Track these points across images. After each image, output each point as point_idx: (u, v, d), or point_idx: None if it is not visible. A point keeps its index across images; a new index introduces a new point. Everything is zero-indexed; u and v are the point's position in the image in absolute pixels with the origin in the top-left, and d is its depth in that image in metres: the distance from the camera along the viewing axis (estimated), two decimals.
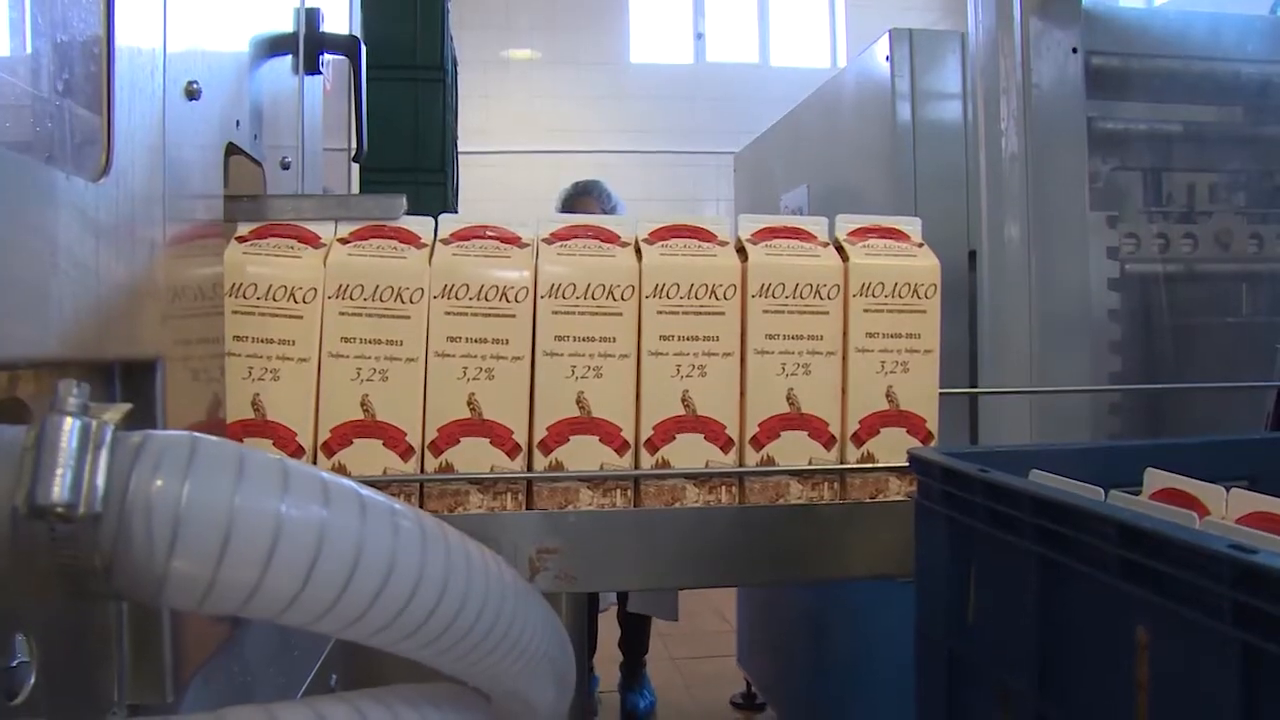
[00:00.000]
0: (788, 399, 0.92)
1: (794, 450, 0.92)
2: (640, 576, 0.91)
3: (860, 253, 0.95)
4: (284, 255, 0.87)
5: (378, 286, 0.87)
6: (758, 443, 0.91)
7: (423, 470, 0.87)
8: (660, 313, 0.90)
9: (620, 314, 0.89)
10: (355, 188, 2.29)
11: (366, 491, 0.40)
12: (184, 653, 0.62)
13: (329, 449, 0.86)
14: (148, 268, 0.61)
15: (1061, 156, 1.54)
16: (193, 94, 0.70)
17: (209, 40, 0.76)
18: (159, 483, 0.35)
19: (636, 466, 0.89)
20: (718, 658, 3.29)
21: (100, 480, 0.34)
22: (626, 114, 7.90)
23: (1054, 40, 1.54)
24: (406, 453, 0.87)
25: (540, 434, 0.88)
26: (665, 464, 0.89)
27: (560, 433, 0.89)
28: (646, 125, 7.83)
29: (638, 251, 0.92)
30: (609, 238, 0.93)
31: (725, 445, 0.91)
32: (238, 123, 0.84)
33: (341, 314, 0.86)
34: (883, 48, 2.12)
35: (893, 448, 0.93)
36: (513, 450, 0.88)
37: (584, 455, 0.89)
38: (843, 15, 8.57)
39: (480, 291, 0.88)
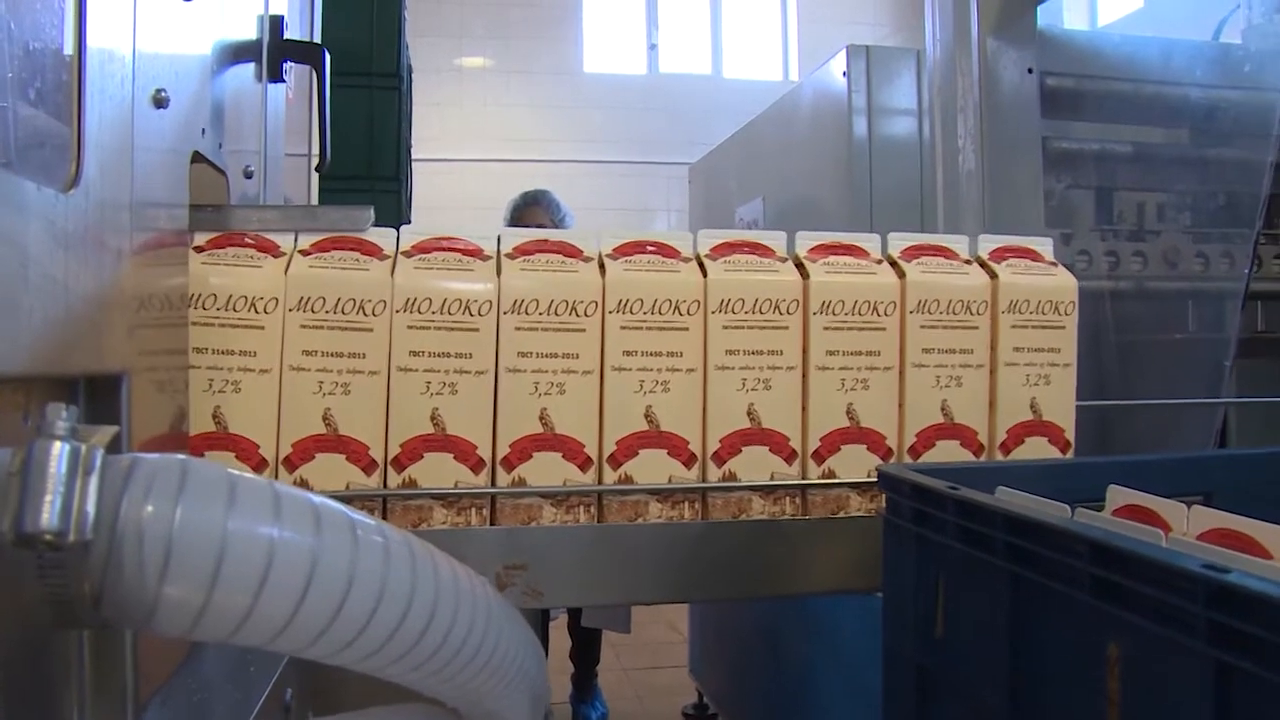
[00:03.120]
0: (748, 414, 0.92)
1: (756, 466, 0.92)
2: (607, 592, 0.91)
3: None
4: (244, 265, 0.86)
5: (339, 299, 0.86)
6: (719, 458, 0.91)
7: (385, 485, 0.87)
8: (624, 328, 0.90)
9: (583, 330, 0.89)
10: (314, 195, 2.26)
11: (358, 515, 0.40)
12: (144, 673, 0.61)
13: (291, 463, 0.85)
14: (114, 279, 0.60)
15: (1017, 174, 1.57)
16: (160, 102, 0.69)
17: (175, 47, 0.75)
18: (150, 508, 0.34)
19: (600, 482, 0.89)
20: (669, 668, 3.29)
21: (90, 506, 0.33)
22: (579, 123, 7.90)
23: (1010, 60, 1.56)
24: (369, 467, 0.86)
25: (504, 450, 0.88)
26: (628, 479, 0.89)
27: (523, 449, 0.88)
28: (599, 135, 7.83)
29: (601, 267, 0.92)
30: (572, 253, 0.93)
31: (688, 460, 0.91)
32: (202, 130, 0.83)
33: (303, 326, 0.85)
34: (839, 63, 2.14)
35: (852, 464, 0.93)
36: (477, 465, 0.87)
37: (547, 471, 0.89)
38: (795, 29, 8.64)
39: (443, 305, 0.87)
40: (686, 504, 0.91)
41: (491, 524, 0.88)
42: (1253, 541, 0.64)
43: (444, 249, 0.92)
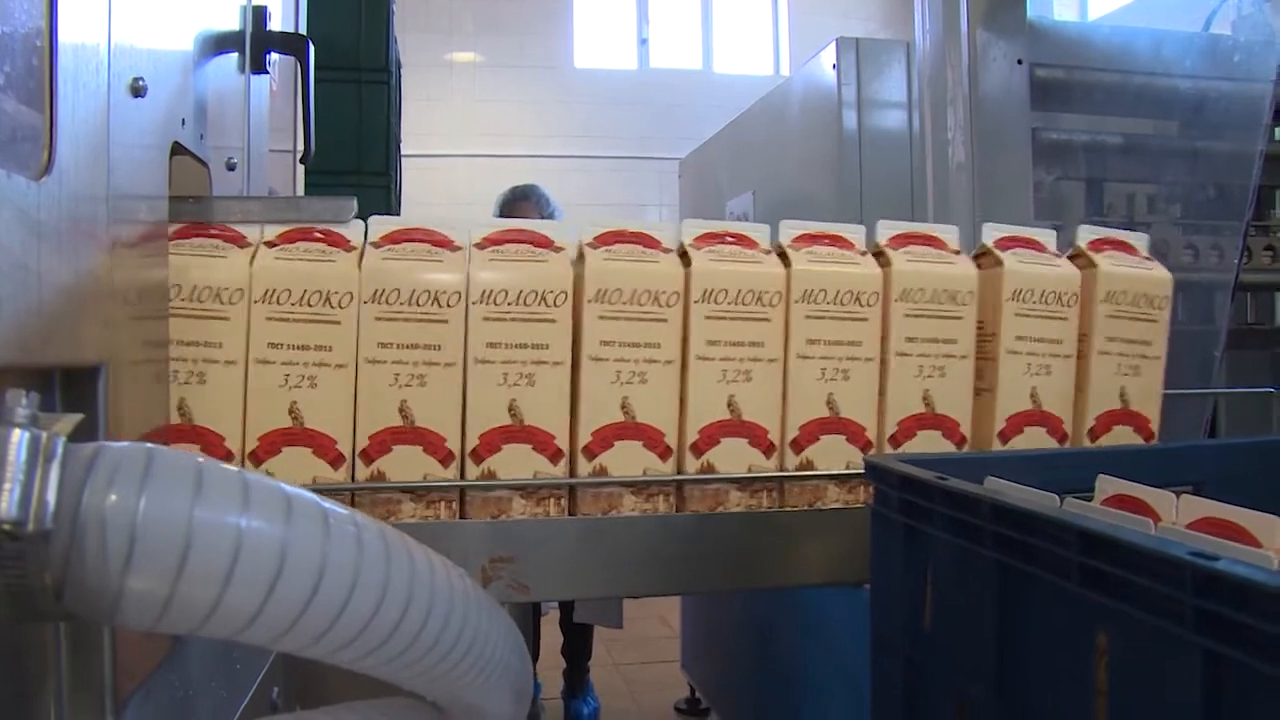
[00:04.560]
0: (729, 406, 0.91)
1: (734, 458, 0.92)
2: (594, 585, 0.90)
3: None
4: (209, 255, 0.85)
5: (305, 291, 0.85)
6: (698, 449, 0.91)
7: (353, 479, 0.86)
8: (602, 318, 0.89)
9: (554, 320, 0.88)
10: (299, 189, 2.25)
11: (329, 504, 0.39)
12: (124, 669, 0.60)
13: (256, 457, 0.84)
14: (91, 270, 0.59)
15: (1007, 166, 1.56)
16: (138, 91, 0.68)
17: (154, 36, 0.74)
18: (113, 497, 0.33)
19: (573, 474, 0.89)
20: (661, 663, 3.29)
21: (51, 495, 0.33)
22: (570, 119, 7.89)
23: (1000, 52, 1.56)
24: (336, 460, 0.85)
25: (473, 442, 0.87)
26: (603, 471, 0.89)
27: (492, 441, 0.87)
28: (590, 130, 7.82)
29: (581, 256, 0.91)
30: (542, 242, 0.92)
31: (664, 453, 0.90)
32: (183, 121, 0.82)
33: (269, 319, 0.84)
34: (829, 56, 2.13)
35: (831, 455, 0.93)
36: (446, 458, 0.87)
37: (517, 464, 0.88)
38: (786, 24, 8.63)
39: (412, 296, 0.87)
40: (661, 496, 0.91)
41: (461, 517, 0.88)
42: (1242, 530, 0.63)
43: (413, 240, 0.91)
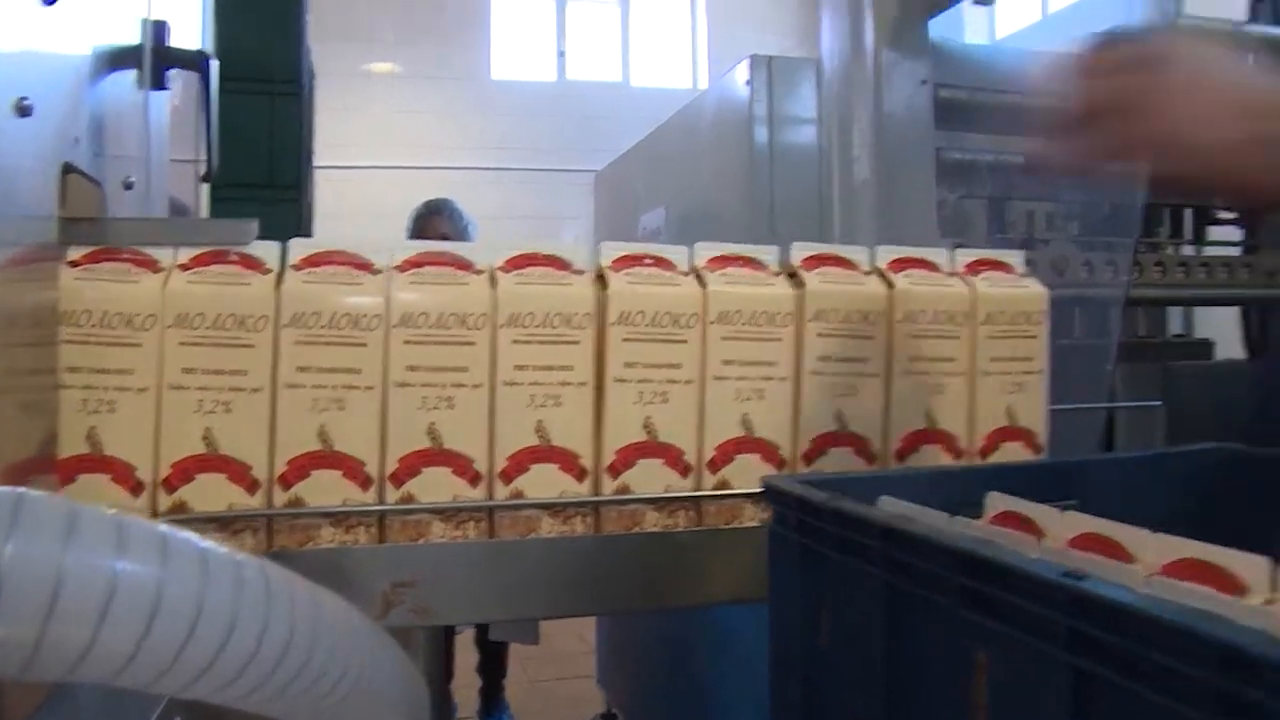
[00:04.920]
0: (645, 427, 0.92)
1: (650, 478, 0.92)
2: (497, 608, 0.90)
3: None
4: (120, 281, 0.83)
5: (220, 315, 0.84)
6: (614, 470, 0.91)
7: (271, 504, 0.85)
8: (515, 342, 0.89)
9: (473, 343, 0.88)
10: (205, 202, 2.22)
11: (208, 545, 0.39)
12: (7, 705, 0.58)
13: (170, 485, 0.82)
14: None
15: (911, 184, 1.59)
16: (24, 110, 0.66)
17: (44, 54, 0.72)
18: None
19: (490, 497, 0.88)
20: (577, 679, 3.29)
21: None
22: (488, 130, 7.86)
23: (904, 72, 1.59)
24: (253, 487, 0.84)
25: (392, 466, 0.86)
26: (520, 494, 0.89)
27: (411, 465, 0.87)
28: (508, 142, 7.81)
29: (492, 280, 0.91)
30: (463, 265, 0.92)
31: (580, 475, 0.90)
32: (76, 140, 0.80)
33: (182, 344, 0.83)
34: (742, 73, 2.16)
35: (747, 474, 0.94)
36: (365, 483, 0.86)
37: (436, 487, 0.87)
38: (704, 37, 8.70)
39: (332, 319, 0.86)
40: (579, 518, 0.91)
41: (381, 541, 0.87)
42: (1119, 546, 0.65)
43: (333, 263, 0.90)
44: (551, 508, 0.90)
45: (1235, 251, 2.04)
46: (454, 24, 8.03)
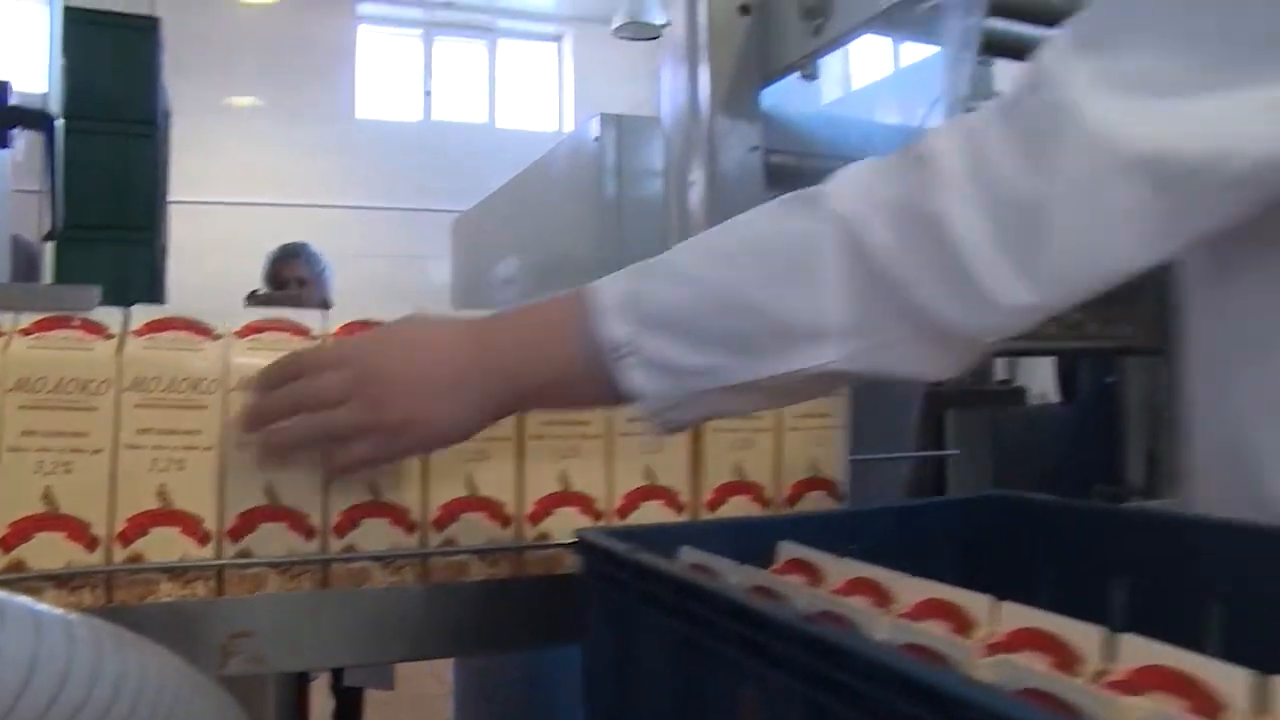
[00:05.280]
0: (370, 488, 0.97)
1: (474, 531, 0.99)
2: (329, 654, 0.95)
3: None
4: None
5: (61, 379, 0.87)
6: (440, 524, 0.97)
7: (110, 561, 0.88)
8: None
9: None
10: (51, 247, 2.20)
11: (41, 607, 0.44)
12: None
13: (7, 544, 0.85)
14: None
15: None
16: None
17: None
18: None
19: (325, 551, 0.94)
20: None
21: None
22: (352, 168, 7.84)
23: (738, 137, 1.70)
24: (92, 544, 0.88)
25: (230, 522, 0.91)
26: (352, 549, 0.94)
27: (250, 520, 0.92)
28: (372, 180, 7.79)
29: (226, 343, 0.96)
30: (301, 331, 0.98)
31: (409, 528, 0.96)
32: None
33: (22, 408, 0.86)
34: (594, 129, 2.25)
35: (567, 525, 1.01)
36: (203, 538, 0.90)
37: (271, 540, 0.92)
38: (570, 80, 8.85)
39: (171, 383, 0.90)
40: (409, 569, 0.97)
41: (220, 594, 0.91)
42: (881, 589, 0.74)
43: (173, 328, 0.94)
44: (383, 559, 0.95)
45: None
46: (319, 61, 8.00)
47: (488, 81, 8.78)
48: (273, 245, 3.37)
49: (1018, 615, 0.64)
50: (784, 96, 1.79)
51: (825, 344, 0.74)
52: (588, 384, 0.81)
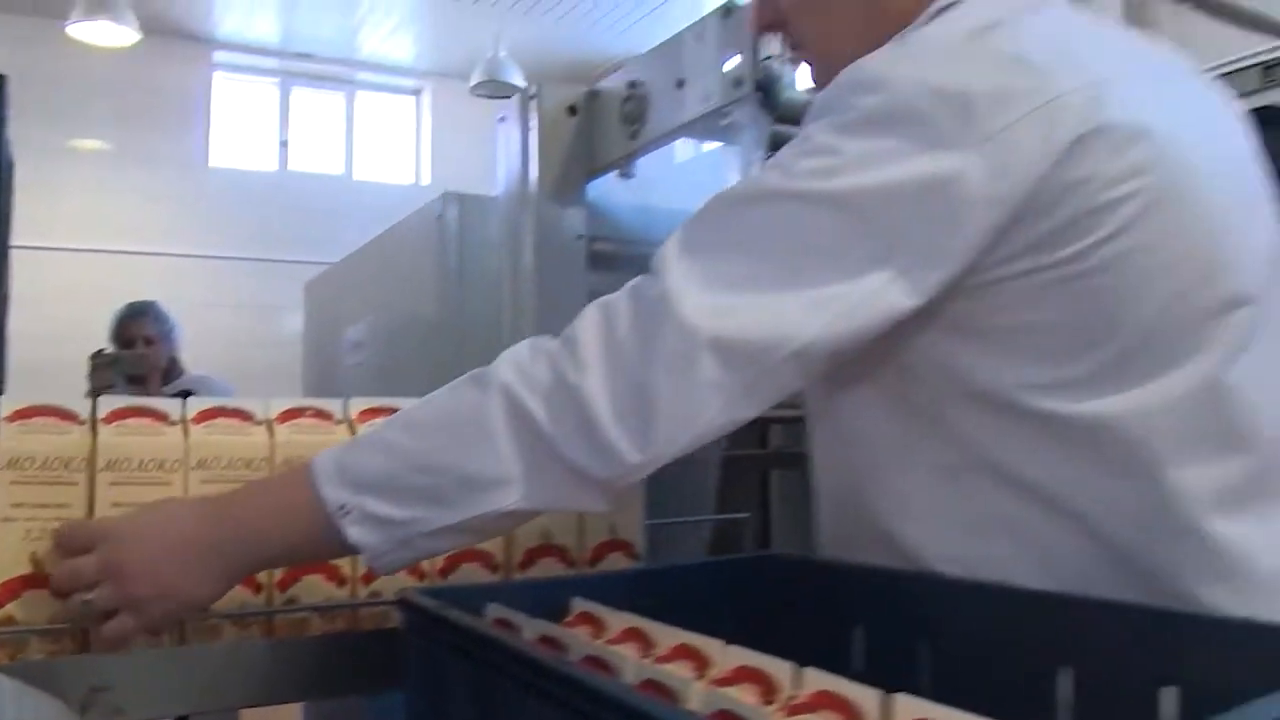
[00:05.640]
0: None
1: (314, 590, 1.14)
2: (183, 703, 1.08)
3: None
4: None
5: None
6: (283, 585, 1.12)
7: None
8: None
9: (169, 484, 1.08)
10: None
11: None
12: None
13: None
14: None
15: (566, 323, 1.88)
16: None
17: None
18: None
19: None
20: None
21: None
22: (204, 216, 7.75)
23: (565, 225, 1.89)
24: None
25: None
26: (206, 609, 1.08)
27: None
28: (225, 230, 7.72)
29: (185, 429, 1.11)
30: (160, 416, 1.12)
31: (256, 589, 1.11)
32: None
33: None
34: (436, 205, 2.41)
35: (395, 585, 1.16)
36: None
37: None
38: (428, 134, 8.95)
39: (45, 463, 1.04)
40: (256, 625, 1.11)
41: (85, 651, 1.04)
42: (645, 637, 0.92)
43: (43, 414, 1.07)
44: (232, 617, 1.10)
45: None
46: (172, 108, 7.92)
47: (345, 133, 8.82)
48: (120, 293, 3.40)
49: (736, 656, 0.83)
50: (606, 190, 1.98)
51: (504, 490, 0.95)
52: (321, 541, 0.98)
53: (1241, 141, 1.06)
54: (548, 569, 1.25)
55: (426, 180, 8.80)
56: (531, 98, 1.91)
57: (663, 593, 1.14)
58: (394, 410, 1.22)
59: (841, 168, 0.90)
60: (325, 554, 1.06)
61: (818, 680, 0.74)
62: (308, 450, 1.04)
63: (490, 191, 2.22)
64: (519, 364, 0.96)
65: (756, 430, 2.20)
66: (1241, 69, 5.36)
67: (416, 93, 9.03)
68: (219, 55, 8.21)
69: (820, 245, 0.90)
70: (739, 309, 0.89)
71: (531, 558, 1.24)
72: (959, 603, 0.97)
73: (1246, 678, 0.63)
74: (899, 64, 0.94)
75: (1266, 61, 5.27)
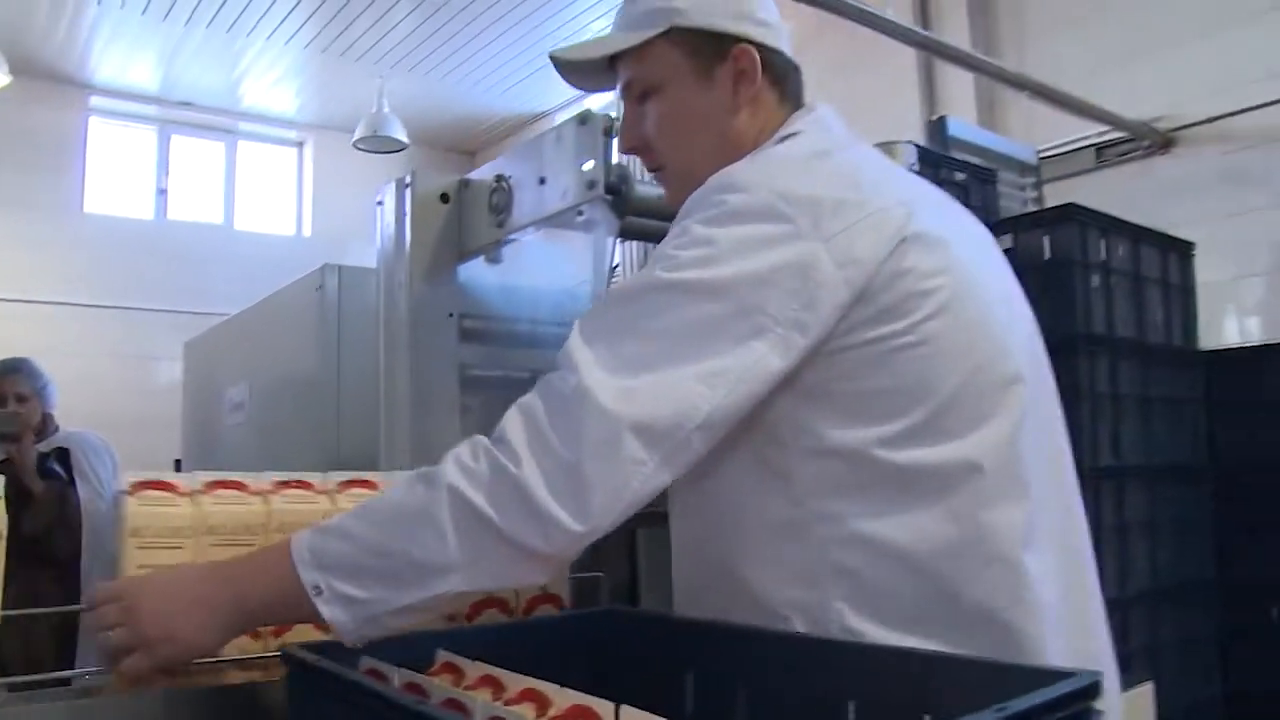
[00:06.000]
0: None
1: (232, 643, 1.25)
2: None
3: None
4: None
5: None
6: (277, 633, 1.27)
7: None
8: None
9: None
10: None
11: None
12: None
13: None
14: None
15: (440, 394, 2.02)
16: None
17: None
18: None
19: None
20: None
21: None
22: (80, 265, 7.58)
23: (437, 303, 2.02)
24: None
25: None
26: None
27: None
28: (101, 278, 7.56)
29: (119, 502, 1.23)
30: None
31: (255, 635, 1.25)
32: None
33: None
34: (316, 277, 2.52)
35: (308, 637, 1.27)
36: None
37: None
38: (310, 186, 8.95)
39: None
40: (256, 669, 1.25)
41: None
42: (498, 682, 1.05)
43: None
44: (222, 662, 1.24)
45: None
46: (46, 153, 7.76)
47: (225, 183, 8.77)
48: None
49: (571, 698, 0.98)
50: (476, 271, 2.13)
51: (449, 575, 1.10)
52: (300, 611, 1.13)
53: (998, 254, 1.34)
54: (493, 618, 1.41)
55: (308, 232, 8.78)
56: (407, 186, 2.05)
57: (521, 644, 1.29)
58: (369, 483, 1.40)
59: (717, 257, 1.10)
60: (306, 620, 1.18)
61: (632, 715, 0.90)
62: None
63: (370, 245, 2.33)
64: (461, 463, 1.10)
65: None
66: (1078, 149, 5.80)
67: (299, 144, 9.04)
68: (95, 100, 8.10)
69: (707, 324, 1.09)
70: (645, 391, 1.07)
71: (478, 609, 1.41)
72: (766, 649, 1.14)
73: (986, 704, 0.81)
74: (758, 173, 1.17)
75: (1098, 144, 5.72)
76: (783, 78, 1.35)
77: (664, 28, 1.31)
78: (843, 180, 1.17)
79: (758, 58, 1.31)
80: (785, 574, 1.17)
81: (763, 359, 1.09)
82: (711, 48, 1.31)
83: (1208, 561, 2.96)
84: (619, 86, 1.40)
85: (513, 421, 1.11)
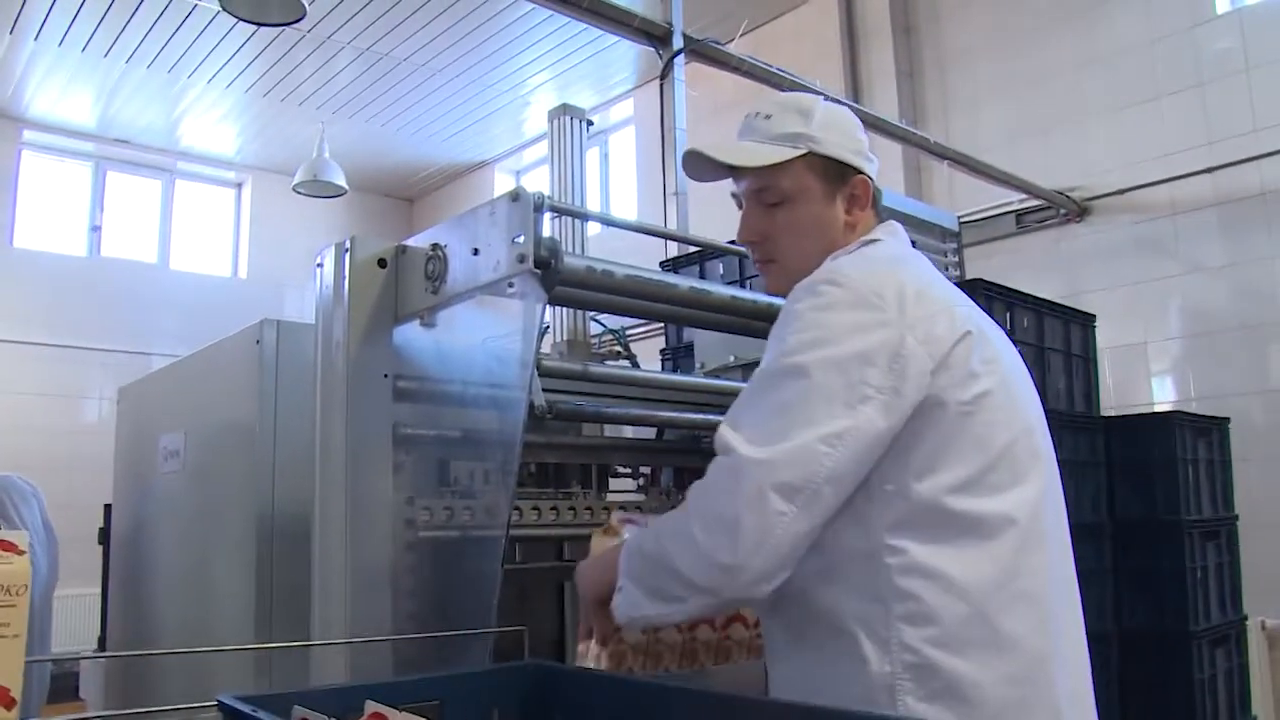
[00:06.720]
0: None
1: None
2: None
3: None
4: None
5: None
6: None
7: None
8: None
9: (15, 605, 1.26)
10: None
11: None
12: None
13: None
14: None
15: (374, 451, 2.07)
16: None
17: None
18: None
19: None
20: None
21: None
22: (5, 300, 7.50)
23: (373, 364, 2.08)
24: None
25: None
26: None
27: None
28: (27, 314, 7.48)
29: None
30: (8, 548, 1.30)
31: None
32: None
33: None
34: (254, 331, 2.55)
35: None
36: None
37: None
38: (247, 227, 8.94)
39: None
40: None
41: None
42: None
43: None
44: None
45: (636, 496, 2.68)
46: None
47: (161, 221, 8.72)
48: None
49: None
50: (412, 334, 2.19)
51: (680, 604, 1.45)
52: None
53: (1009, 342, 1.62)
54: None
55: (244, 274, 8.77)
56: (346, 250, 2.12)
57: (445, 695, 1.36)
58: None
59: (826, 339, 1.40)
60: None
61: None
62: None
63: (305, 290, 2.37)
64: (663, 522, 1.50)
65: (554, 546, 2.44)
66: (999, 215, 6.05)
67: (238, 185, 9.04)
68: (29, 134, 8.05)
69: (824, 396, 1.37)
70: (782, 458, 1.35)
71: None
72: (670, 704, 1.23)
73: None
74: (854, 270, 1.48)
75: (1018, 210, 5.97)
76: (876, 200, 1.68)
77: (803, 151, 1.60)
78: (919, 280, 1.48)
79: (871, 188, 1.64)
80: (854, 593, 1.41)
81: (870, 421, 1.36)
82: (836, 173, 1.62)
83: (1107, 612, 3.11)
84: (745, 189, 1.67)
85: (690, 491, 1.44)
